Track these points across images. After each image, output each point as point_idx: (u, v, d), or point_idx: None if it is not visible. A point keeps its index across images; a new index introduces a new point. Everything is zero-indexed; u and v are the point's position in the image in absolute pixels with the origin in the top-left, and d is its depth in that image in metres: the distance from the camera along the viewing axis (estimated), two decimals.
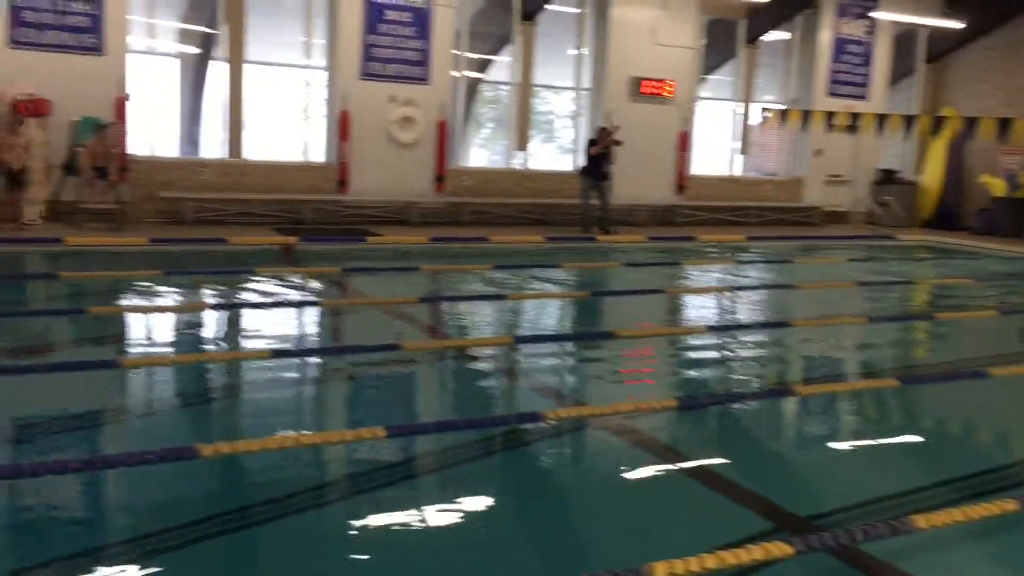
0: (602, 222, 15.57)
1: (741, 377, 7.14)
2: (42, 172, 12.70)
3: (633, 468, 4.86)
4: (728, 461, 5.01)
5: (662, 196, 18.04)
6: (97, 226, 12.68)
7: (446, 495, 4.43)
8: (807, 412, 6.16)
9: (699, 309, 10.02)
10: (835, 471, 5.09)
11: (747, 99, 19.22)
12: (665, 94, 17.75)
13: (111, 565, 3.59)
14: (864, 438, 5.77)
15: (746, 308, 10.24)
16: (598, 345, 7.84)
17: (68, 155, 12.98)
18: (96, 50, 13.36)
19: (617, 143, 15.60)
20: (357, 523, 4.09)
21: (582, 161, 16.03)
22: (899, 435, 5.91)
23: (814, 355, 8.08)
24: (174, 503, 4.16)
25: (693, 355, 7.92)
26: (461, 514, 4.20)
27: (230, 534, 3.92)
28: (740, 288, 10.90)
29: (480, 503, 4.37)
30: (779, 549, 3.54)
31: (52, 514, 4.09)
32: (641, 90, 17.54)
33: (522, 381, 6.85)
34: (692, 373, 7.36)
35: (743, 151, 19.57)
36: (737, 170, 19.64)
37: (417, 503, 4.27)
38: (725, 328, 8.82)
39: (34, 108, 12.63)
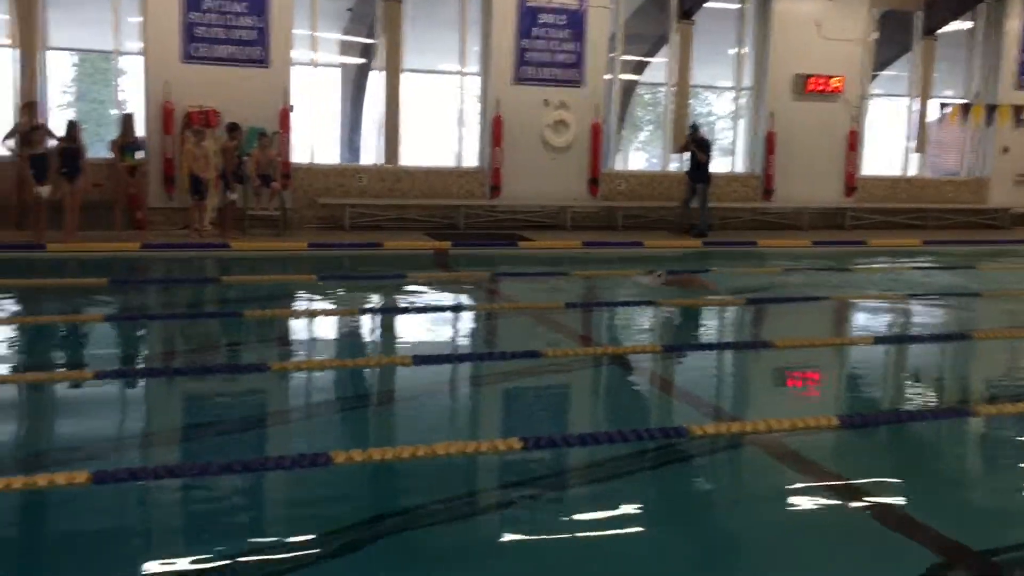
0: (694, 227, 14.95)
1: (912, 394, 6.55)
2: (214, 181, 13.29)
3: (788, 492, 4.45)
4: (896, 487, 4.53)
5: (830, 198, 17.14)
6: (261, 232, 13.16)
7: (581, 512, 4.18)
8: (988, 435, 5.55)
9: (867, 319, 9.32)
10: (1020, 501, 4.51)
11: (924, 95, 17.99)
12: (833, 91, 16.84)
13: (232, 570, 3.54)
14: None
15: (921, 318, 9.46)
16: (754, 356, 7.39)
17: (235, 164, 13.53)
18: (262, 62, 13.88)
19: (698, 146, 14.89)
20: (482, 537, 3.91)
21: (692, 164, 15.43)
22: None
23: (998, 371, 7.32)
24: (304, 510, 4.11)
25: (859, 369, 7.35)
26: (596, 534, 3.94)
27: (357, 547, 3.83)
28: (914, 296, 10.08)
29: (616, 525, 4.08)
30: None
31: (182, 516, 4.12)
32: (807, 87, 16.71)
33: (670, 393, 6.51)
34: (857, 389, 6.81)
35: (919, 150, 18.31)
36: (912, 170, 18.43)
37: (549, 520, 4.05)
38: (896, 340, 8.14)
39: (205, 119, 13.25)
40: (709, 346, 7.85)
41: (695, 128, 15.29)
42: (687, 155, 15.36)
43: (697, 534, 4.06)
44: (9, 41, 13.29)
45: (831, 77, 16.77)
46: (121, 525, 3.97)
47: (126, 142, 12.52)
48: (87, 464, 4.38)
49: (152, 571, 3.54)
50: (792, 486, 4.53)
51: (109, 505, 4.07)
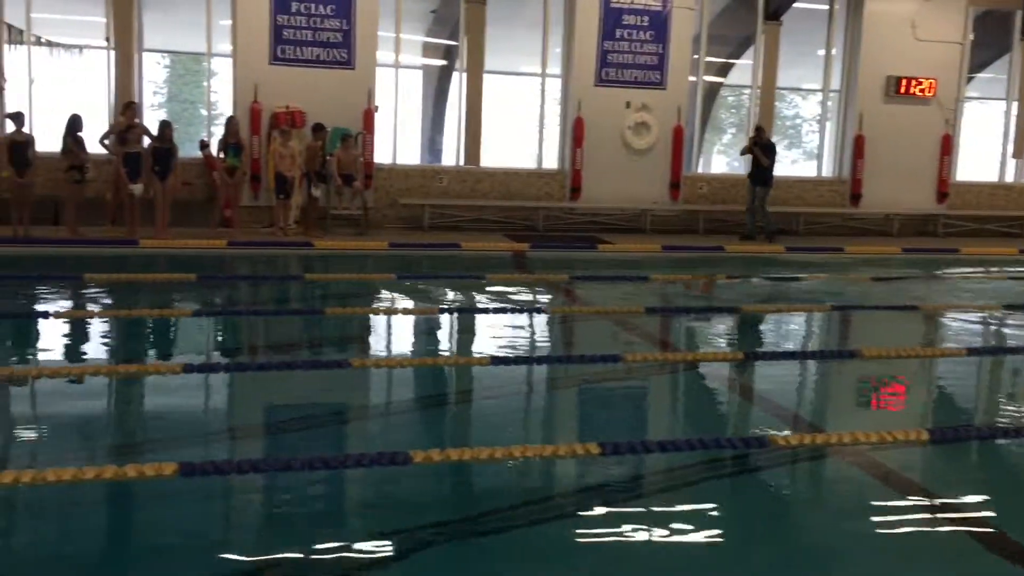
0: (752, 230, 14.63)
1: (1007, 409, 6.27)
2: (298, 180, 13.53)
3: (874, 508, 4.29)
4: (989, 507, 4.33)
5: (920, 204, 16.61)
6: (343, 230, 13.35)
7: (657, 521, 4.10)
8: None
9: (960, 329, 8.98)
10: None
11: (1023, 98, 17.29)
12: (926, 94, 16.33)
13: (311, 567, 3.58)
14: None
15: (1016, 330, 9.08)
16: (840, 365, 7.18)
17: (319, 163, 13.75)
18: (347, 64, 14.08)
19: (762, 149, 14.51)
20: (556, 542, 3.87)
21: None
22: None
23: None
24: (383, 508, 4.13)
25: (950, 381, 7.08)
26: (672, 543, 3.86)
27: (431, 545, 3.83)
28: (1009, 307, 9.68)
29: (693, 535, 4.00)
30: None
31: (263, 510, 4.17)
32: (898, 90, 16.23)
33: (752, 401, 6.38)
34: (948, 402, 6.56)
35: (1016, 155, 17.60)
36: (1009, 176, 17.73)
37: (625, 527, 3.99)
38: (990, 351, 7.82)
39: (291, 120, 13.50)
40: (793, 354, 7.66)
41: (760, 130, 14.97)
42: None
43: (779, 547, 3.94)
44: (107, 43, 13.76)
45: (925, 79, 16.26)
46: (204, 518, 4.05)
47: (229, 143, 12.82)
48: (174, 456, 4.48)
49: (230, 563, 3.59)
50: (880, 502, 4.38)
51: (194, 497, 4.15)
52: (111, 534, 3.94)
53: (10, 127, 11.95)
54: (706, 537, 3.99)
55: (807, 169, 17.65)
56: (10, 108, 12.65)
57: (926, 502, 4.42)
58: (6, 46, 13.27)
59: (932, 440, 5.12)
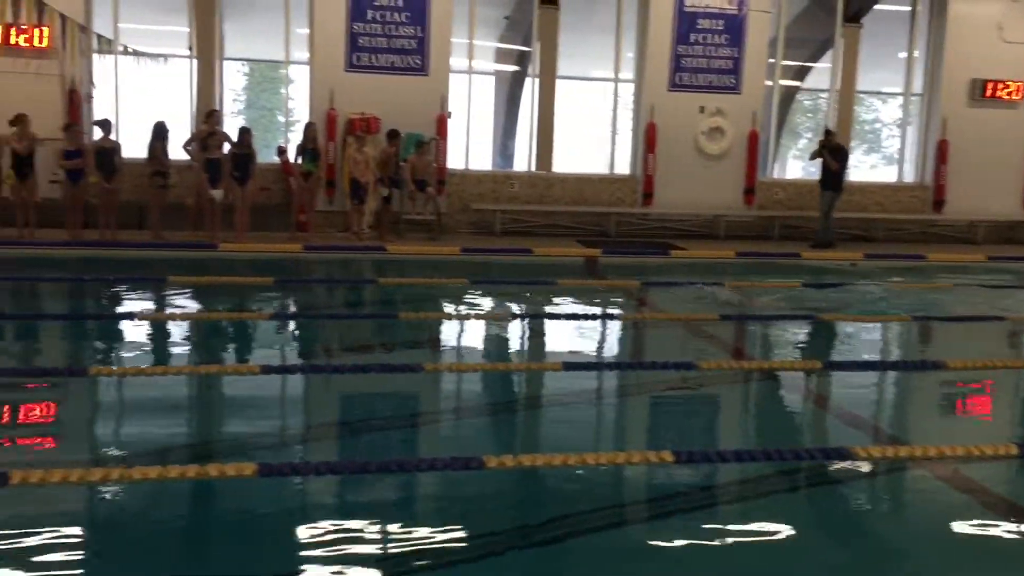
0: (819, 235, 14.25)
1: None
2: (373, 185, 13.70)
3: (964, 527, 4.14)
4: None
5: (1007, 211, 16.08)
6: (416, 235, 13.48)
7: (730, 534, 4.03)
8: None
9: None
10: None
11: None
12: (1013, 98, 15.80)
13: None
14: None
15: None
16: (923, 376, 6.96)
17: (394, 169, 13.90)
18: (421, 70, 14.22)
19: (831, 153, 14.11)
20: (631, 550, 3.83)
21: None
22: None
23: None
24: (458, 512, 4.14)
25: None
26: (746, 558, 3.78)
27: (506, 551, 3.83)
28: None
29: (770, 546, 3.92)
30: None
31: (338, 512, 4.22)
32: (984, 93, 15.73)
33: (831, 412, 6.24)
34: None
35: None
36: None
37: (701, 538, 3.93)
38: None
39: (366, 126, 13.69)
40: (873, 364, 7.46)
41: (829, 134, 14.64)
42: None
43: (863, 565, 3.83)
44: (189, 52, 14.14)
45: (1012, 83, 15.74)
46: (281, 517, 4.11)
47: (306, 148, 13.05)
48: (253, 456, 4.57)
49: (304, 560, 3.64)
50: (967, 519, 4.22)
51: (272, 497, 4.22)
52: (195, 530, 4.02)
53: (98, 134, 12.37)
54: (782, 551, 3.90)
55: (886, 174, 17.20)
56: (98, 116, 13.08)
57: (1016, 519, 4.26)
58: (95, 56, 13.72)
59: (1022, 455, 4.93)
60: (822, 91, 17.49)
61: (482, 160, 16.78)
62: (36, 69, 12.75)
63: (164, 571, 3.54)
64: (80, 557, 3.64)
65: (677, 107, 15.00)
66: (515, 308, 9.31)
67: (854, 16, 15.64)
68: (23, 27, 12.76)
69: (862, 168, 19.26)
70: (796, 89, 19.16)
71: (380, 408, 5.86)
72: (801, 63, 18.51)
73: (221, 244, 11.94)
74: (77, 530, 3.93)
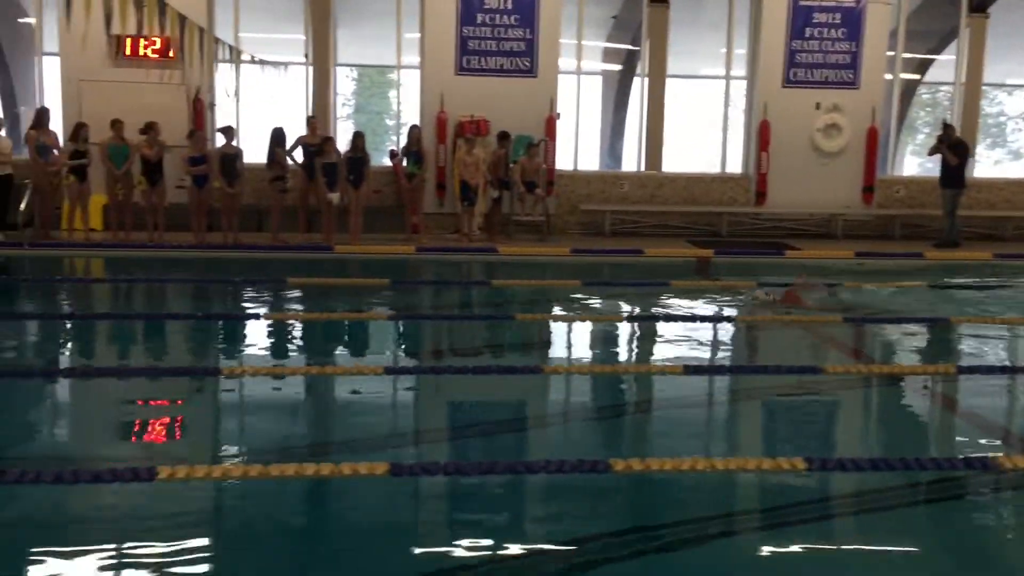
0: (945, 235, 13.59)
1: None
2: (483, 187, 13.81)
3: None
4: None
5: None
6: (525, 236, 13.52)
7: (869, 543, 3.91)
8: None
9: None
10: None
11: None
12: None
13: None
14: None
15: None
16: None
17: (504, 171, 13.97)
18: (530, 72, 14.26)
19: (950, 148, 13.43)
20: (763, 558, 3.74)
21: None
22: None
23: None
24: (586, 515, 4.13)
25: None
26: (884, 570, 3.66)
27: (635, 555, 3.80)
28: None
29: (905, 564, 3.77)
30: None
31: (467, 511, 4.25)
32: None
33: (967, 419, 5.97)
34: None
35: None
36: None
37: (833, 547, 3.83)
38: None
39: (476, 128, 13.80)
40: (1011, 369, 7.11)
41: (948, 128, 13.99)
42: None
43: None
44: (306, 59, 14.52)
45: None
46: (410, 515, 4.18)
47: (411, 150, 13.26)
48: (381, 455, 4.65)
49: (429, 560, 3.68)
50: None
51: (402, 496, 4.29)
52: (332, 526, 4.11)
53: (220, 141, 12.82)
54: (920, 566, 3.76)
55: (1012, 170, 16.41)
56: (221, 123, 13.55)
57: None
58: (220, 64, 14.20)
59: None
60: (942, 84, 16.81)
61: (590, 161, 16.73)
62: (162, 79, 13.27)
63: (308, 563, 3.64)
64: (221, 551, 3.78)
65: (791, 104, 14.62)
66: (630, 309, 9.24)
67: (979, 6, 14.97)
68: (151, 38, 13.31)
69: (986, 163, 18.40)
70: (917, 83, 18.46)
71: (502, 409, 5.89)
72: (923, 55, 17.82)
73: (336, 246, 12.22)
74: (219, 524, 4.09)
